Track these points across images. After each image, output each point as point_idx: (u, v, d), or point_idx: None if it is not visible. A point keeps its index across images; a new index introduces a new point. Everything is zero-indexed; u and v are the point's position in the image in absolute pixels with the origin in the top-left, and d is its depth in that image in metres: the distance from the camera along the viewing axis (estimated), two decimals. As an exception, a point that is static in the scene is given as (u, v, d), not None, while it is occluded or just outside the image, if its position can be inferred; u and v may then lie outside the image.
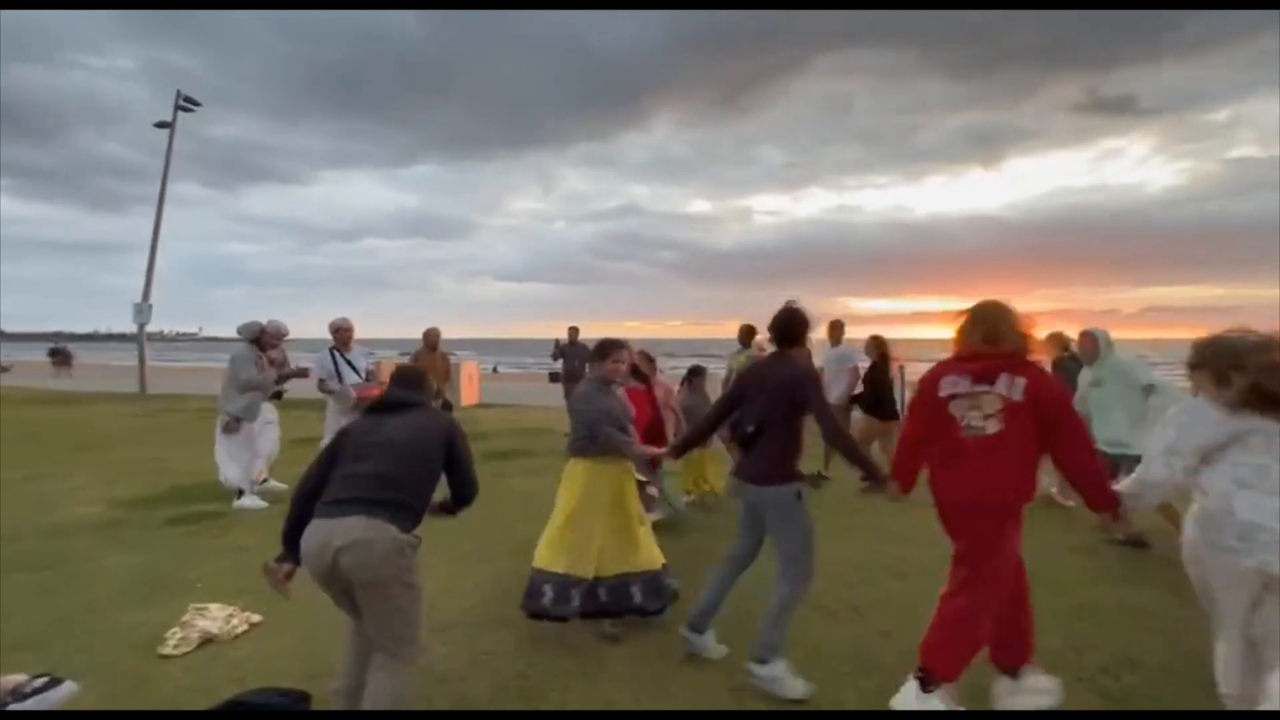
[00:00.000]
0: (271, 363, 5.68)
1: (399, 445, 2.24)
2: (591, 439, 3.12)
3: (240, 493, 5.48)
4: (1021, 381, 2.29)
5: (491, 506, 3.17)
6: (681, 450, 3.34)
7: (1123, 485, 2.36)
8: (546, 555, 3.13)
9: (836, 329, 6.64)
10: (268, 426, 5.84)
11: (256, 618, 3.31)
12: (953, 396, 2.40)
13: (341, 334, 5.92)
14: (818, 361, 5.65)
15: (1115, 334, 4.75)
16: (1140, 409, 4.27)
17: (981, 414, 2.33)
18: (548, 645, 3.05)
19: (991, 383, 2.33)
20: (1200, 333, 2.34)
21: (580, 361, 9.55)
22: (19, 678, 2.07)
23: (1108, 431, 4.24)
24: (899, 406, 6.96)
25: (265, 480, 5.88)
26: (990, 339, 2.38)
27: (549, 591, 3.03)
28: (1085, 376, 4.60)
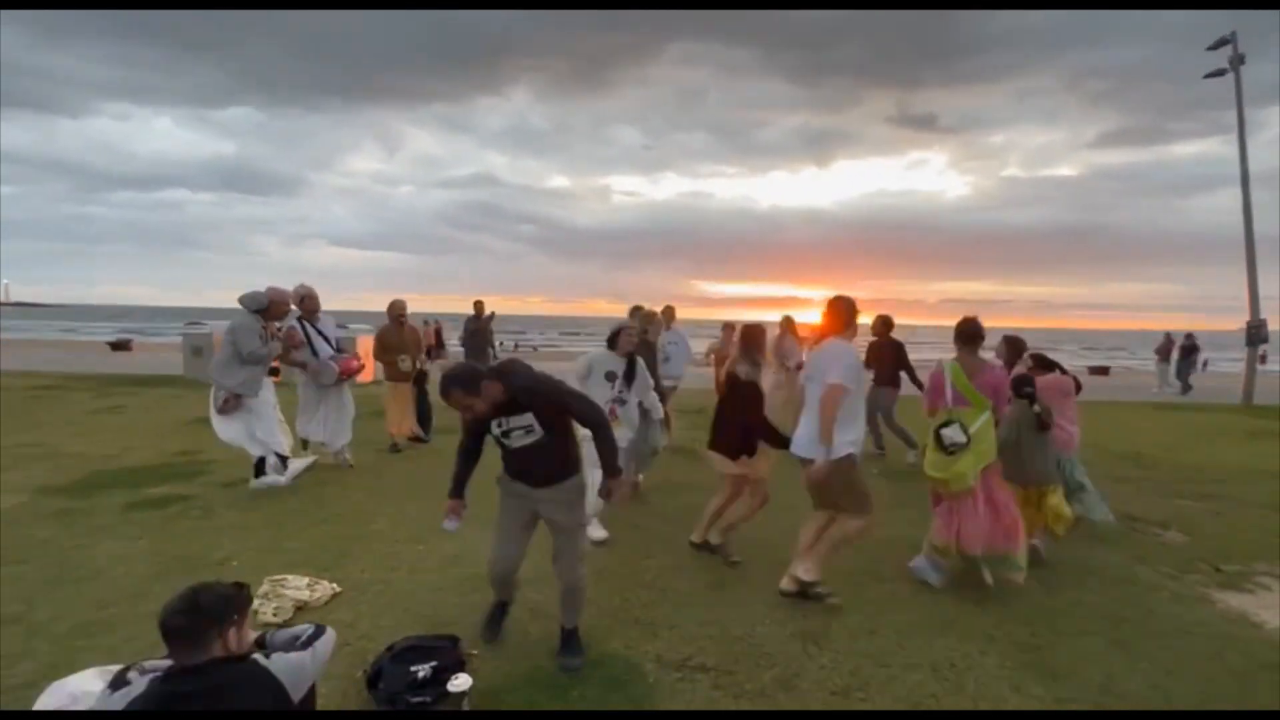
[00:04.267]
0: (275, 335, 5.14)
1: None
2: None
3: (284, 460, 5.10)
4: None
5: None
6: None
7: None
8: None
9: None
10: (269, 408, 5.21)
11: (336, 587, 3.35)
12: None
13: (309, 302, 5.60)
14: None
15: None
16: (689, 355, 7.32)
17: None
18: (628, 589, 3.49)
19: None
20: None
21: (484, 339, 9.43)
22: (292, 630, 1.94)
23: (680, 370, 7.00)
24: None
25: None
26: None
27: None
28: (665, 336, 6.97)
